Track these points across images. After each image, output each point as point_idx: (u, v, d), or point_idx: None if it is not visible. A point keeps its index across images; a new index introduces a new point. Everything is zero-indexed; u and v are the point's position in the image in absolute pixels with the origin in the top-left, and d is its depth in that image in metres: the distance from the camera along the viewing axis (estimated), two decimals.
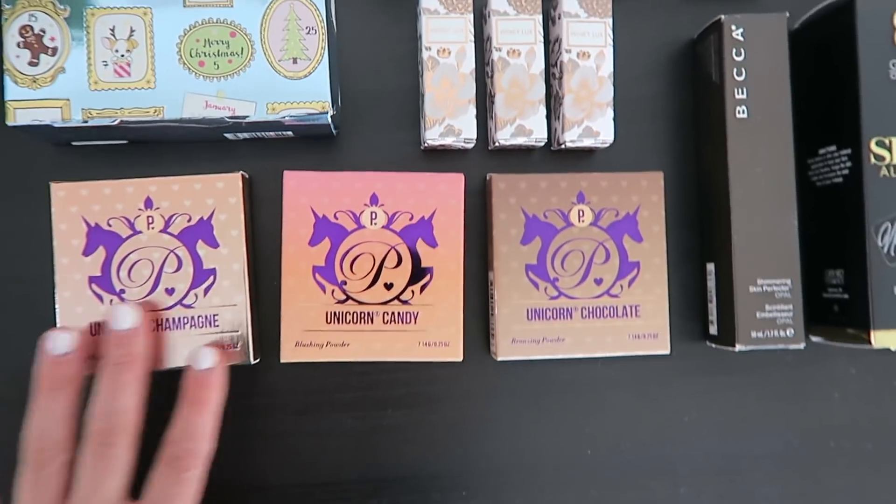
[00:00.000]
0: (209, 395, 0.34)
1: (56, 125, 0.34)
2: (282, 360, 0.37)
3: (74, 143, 0.39)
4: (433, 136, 0.37)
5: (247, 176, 0.39)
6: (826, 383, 0.42)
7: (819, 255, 0.40)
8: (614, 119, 0.38)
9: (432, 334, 0.37)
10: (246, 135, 0.38)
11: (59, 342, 0.33)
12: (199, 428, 0.34)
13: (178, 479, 0.33)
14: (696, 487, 0.41)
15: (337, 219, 0.37)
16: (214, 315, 0.37)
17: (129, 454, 0.33)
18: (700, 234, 0.41)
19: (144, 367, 0.34)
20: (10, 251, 0.38)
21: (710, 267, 0.40)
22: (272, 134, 0.38)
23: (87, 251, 0.36)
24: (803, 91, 0.39)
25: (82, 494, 0.32)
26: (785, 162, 0.38)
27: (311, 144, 0.40)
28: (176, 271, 0.37)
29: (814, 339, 0.40)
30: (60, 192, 0.36)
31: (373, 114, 0.40)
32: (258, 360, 0.39)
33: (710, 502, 0.41)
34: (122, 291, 0.37)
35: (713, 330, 0.40)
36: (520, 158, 0.41)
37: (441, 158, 0.40)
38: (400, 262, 0.37)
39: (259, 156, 0.39)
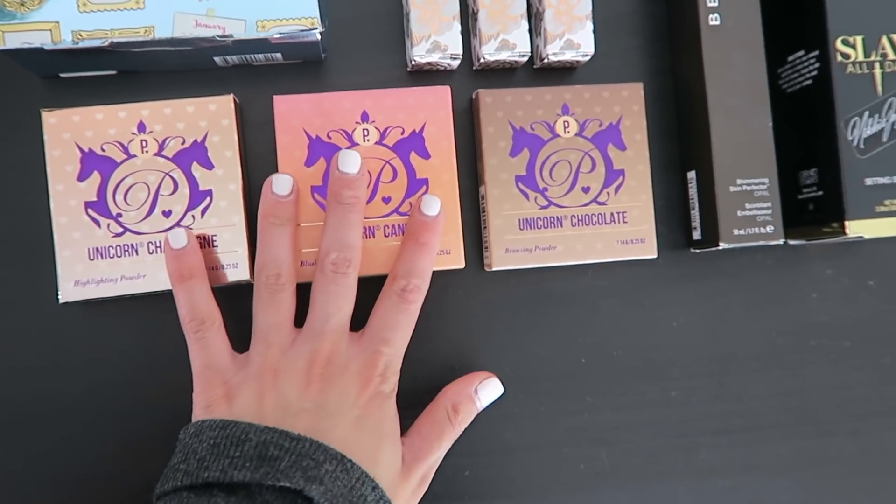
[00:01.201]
0: (432, 238, 0.37)
1: (47, 48, 0.34)
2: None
3: (63, 75, 0.39)
4: (420, 52, 0.38)
5: (238, 101, 0.39)
6: (805, 285, 0.44)
7: (792, 159, 0.41)
8: (593, 34, 0.40)
9: None
10: (235, 59, 0.38)
11: (281, 184, 0.36)
12: (424, 267, 0.37)
13: (402, 309, 0.36)
14: (687, 390, 0.42)
15: (330, 138, 0.38)
16: (213, 236, 0.37)
17: (356, 284, 0.36)
18: (679, 145, 0.43)
19: (364, 210, 0.37)
20: (2, 184, 0.38)
21: (691, 175, 0.41)
22: (261, 58, 0.39)
23: (82, 176, 0.37)
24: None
25: (320, 317, 0.35)
26: (757, 65, 0.39)
27: (300, 69, 0.40)
28: (172, 193, 0.37)
29: (791, 242, 0.42)
30: (52, 119, 0.37)
31: (358, 38, 0.41)
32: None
33: (701, 403, 0.42)
34: (119, 215, 0.37)
35: (696, 235, 0.41)
36: (504, 77, 0.42)
37: (427, 79, 0.41)
38: (395, 175, 0.38)
39: (248, 82, 0.40)
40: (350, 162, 0.36)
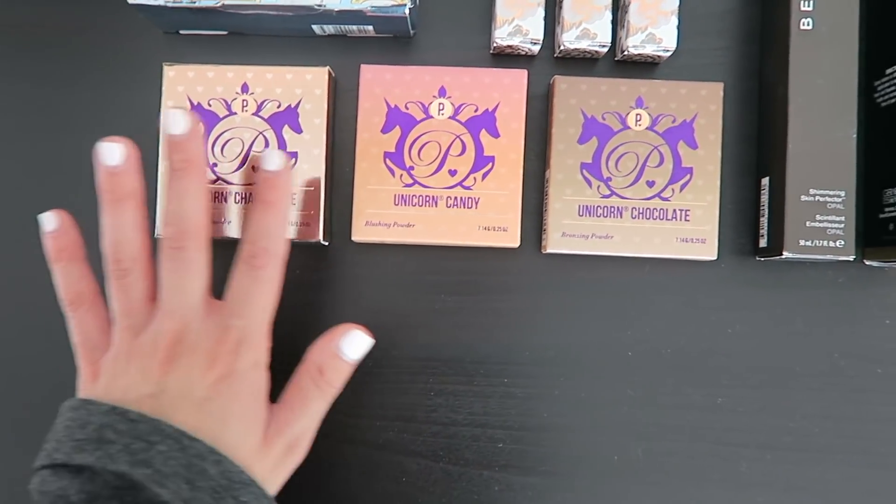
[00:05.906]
0: (277, 195, 0.35)
1: (169, 5, 0.39)
2: (353, 238, 0.40)
3: (182, 32, 0.43)
4: (502, 35, 0.40)
5: (332, 74, 0.42)
6: (877, 308, 0.42)
7: (879, 175, 0.40)
8: (679, 30, 0.40)
9: (492, 219, 0.40)
10: (331, 29, 0.42)
11: (109, 154, 0.34)
12: (270, 227, 0.35)
13: (255, 277, 0.34)
14: (735, 399, 0.42)
15: (407, 109, 0.40)
16: (293, 194, 0.40)
17: (203, 255, 0.34)
18: (756, 149, 0.42)
19: (204, 170, 0.35)
20: (122, 124, 0.43)
21: (765, 181, 0.41)
22: (355, 29, 0.42)
23: None
24: (876, 9, 0.39)
25: (166, 297, 0.34)
26: (848, 75, 0.38)
27: (389, 44, 0.43)
28: (262, 151, 0.41)
29: (868, 262, 0.40)
30: (171, 73, 0.41)
31: (447, 18, 0.43)
32: (328, 243, 0.42)
33: (748, 414, 0.42)
34: (214, 165, 0.41)
35: (763, 243, 0.41)
36: (583, 67, 0.43)
37: (508, 62, 0.43)
38: (464, 150, 0.40)
39: (341, 52, 0.43)
40: (175, 123, 0.34)
